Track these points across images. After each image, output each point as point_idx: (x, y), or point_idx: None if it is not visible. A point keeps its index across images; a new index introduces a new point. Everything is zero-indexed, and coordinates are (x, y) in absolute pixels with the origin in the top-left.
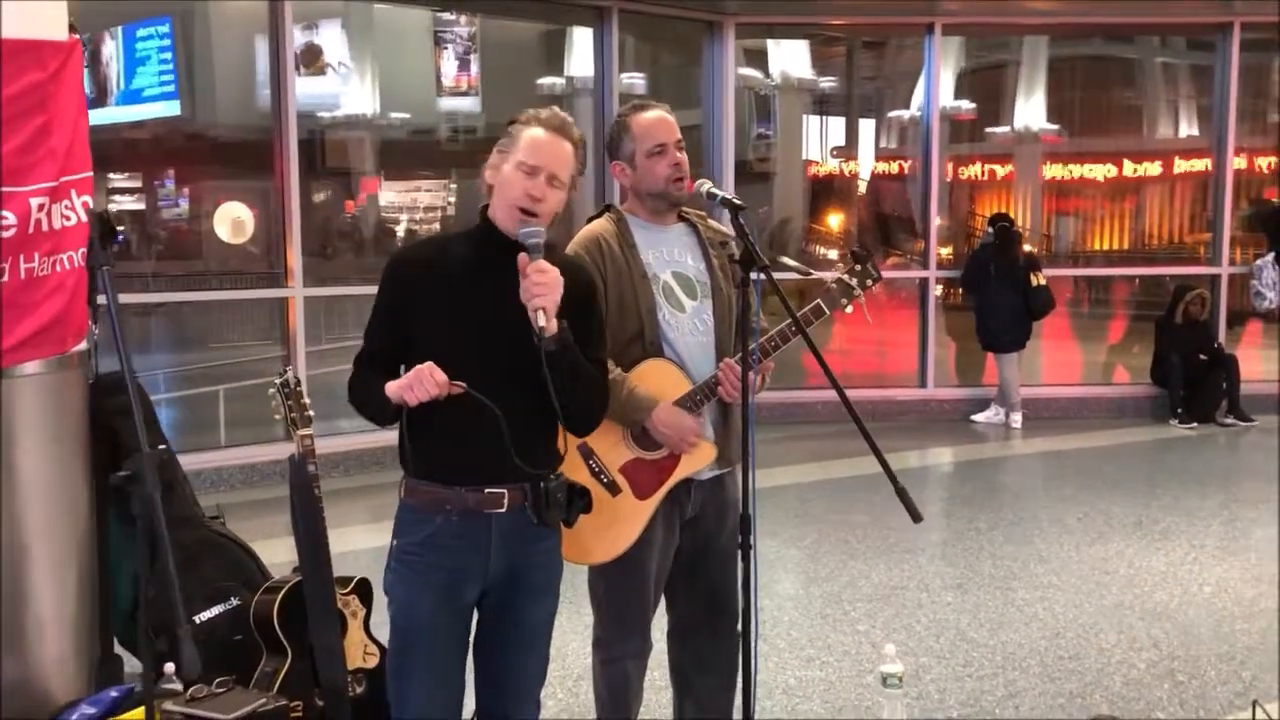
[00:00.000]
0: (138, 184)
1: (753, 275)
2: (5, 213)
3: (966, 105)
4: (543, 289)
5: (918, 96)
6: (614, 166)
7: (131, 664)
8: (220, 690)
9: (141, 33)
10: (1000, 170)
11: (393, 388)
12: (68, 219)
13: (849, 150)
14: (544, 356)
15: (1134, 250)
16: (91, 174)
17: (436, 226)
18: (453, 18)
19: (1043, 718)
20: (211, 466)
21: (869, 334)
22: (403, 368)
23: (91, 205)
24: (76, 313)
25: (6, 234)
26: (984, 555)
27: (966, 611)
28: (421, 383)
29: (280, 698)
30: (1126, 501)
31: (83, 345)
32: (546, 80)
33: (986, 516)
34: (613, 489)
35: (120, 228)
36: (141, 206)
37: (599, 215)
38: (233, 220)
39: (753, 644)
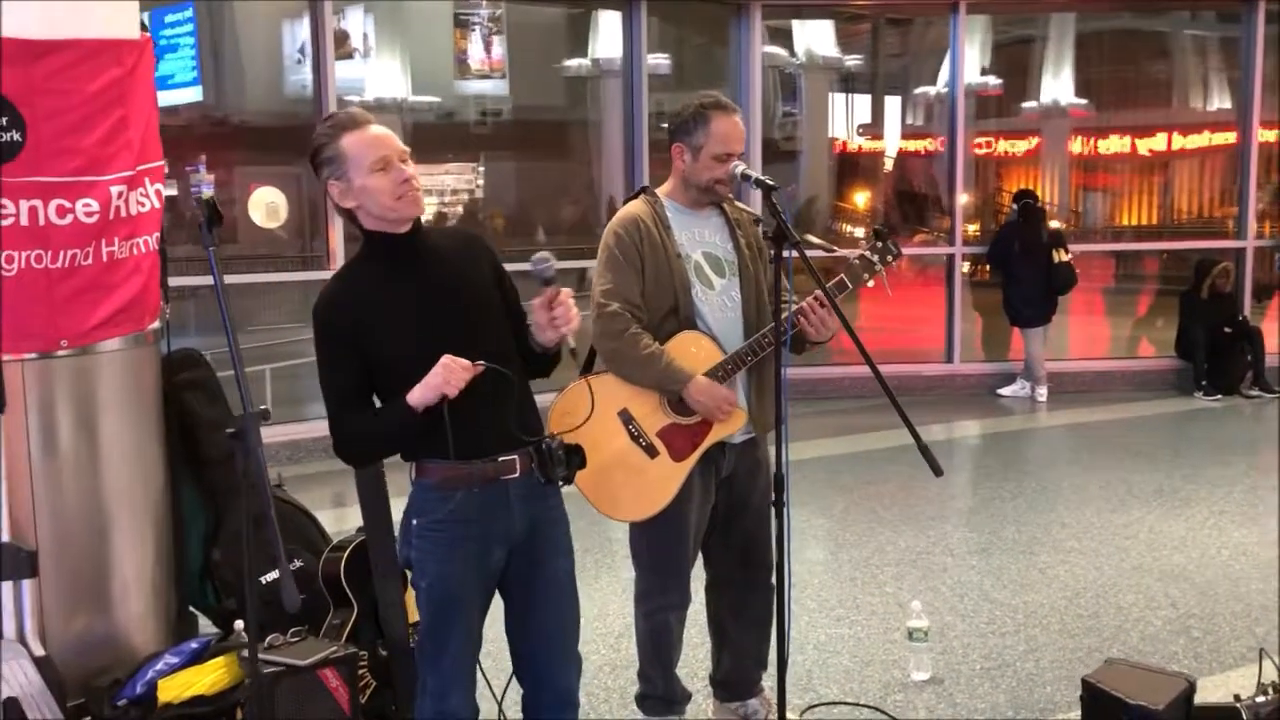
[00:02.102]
0: (169, 170)
1: (786, 252)
2: (90, 200)
3: (993, 81)
4: (571, 316)
5: (943, 73)
6: (675, 147)
7: (203, 624)
8: (295, 640)
9: (169, 18)
10: (1027, 146)
11: (419, 395)
12: (143, 205)
13: (875, 128)
14: (565, 354)
15: (1162, 225)
16: (163, 163)
17: (461, 210)
18: (478, 1)
19: (1061, 669)
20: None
21: (897, 310)
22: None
23: (164, 192)
24: (151, 293)
25: (90, 220)
26: (1007, 522)
27: (990, 574)
28: (452, 372)
29: (350, 646)
30: (1149, 470)
31: (156, 324)
32: (572, 62)
33: (1010, 486)
34: (651, 451)
35: None
36: (174, 192)
37: (635, 197)
38: (266, 205)
39: (787, 595)
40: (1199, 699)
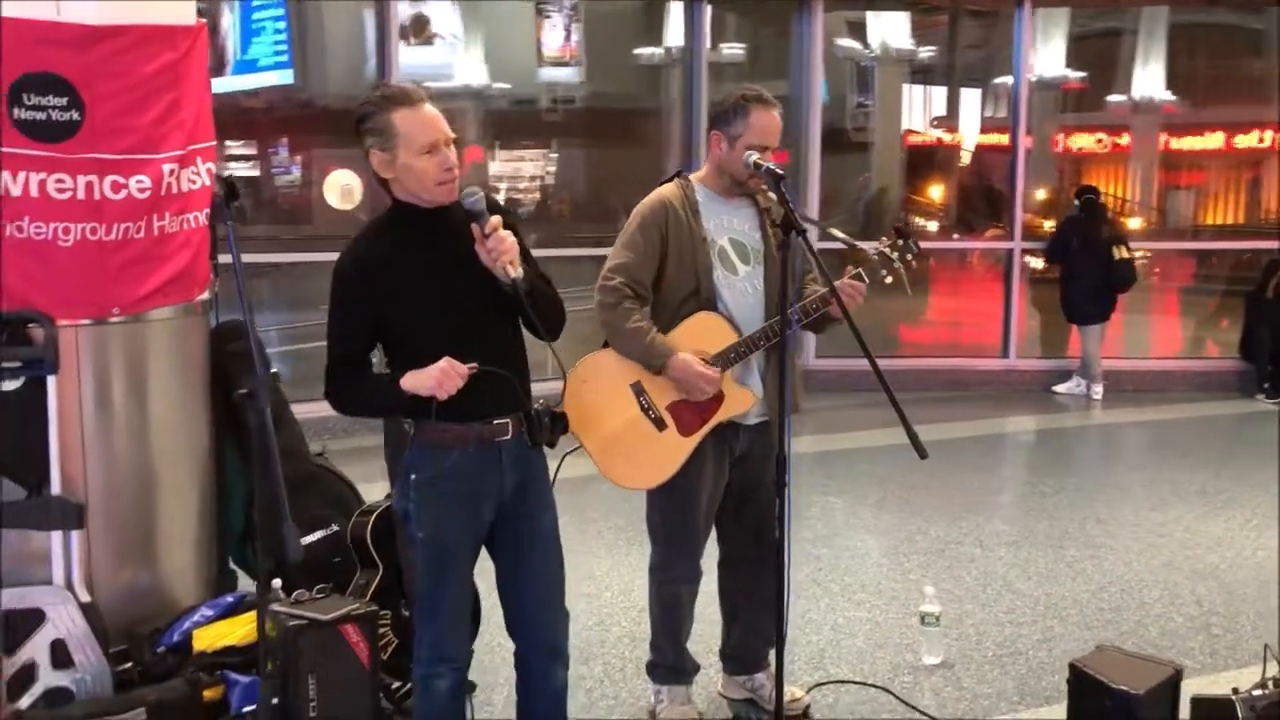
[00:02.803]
0: (253, 151)
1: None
2: (143, 177)
3: (1076, 74)
4: (504, 246)
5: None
6: (714, 135)
7: (244, 581)
8: (319, 596)
9: (257, 1)
10: (1113, 141)
11: (410, 383)
12: (193, 183)
13: (950, 120)
14: (524, 298)
15: (1248, 224)
16: (214, 143)
17: (537, 195)
18: None
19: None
20: (318, 416)
21: (965, 304)
22: (378, 352)
23: (215, 171)
24: (200, 266)
25: (142, 195)
26: (1042, 516)
27: (1016, 565)
28: (449, 379)
29: (372, 605)
30: (1194, 471)
31: (205, 295)
32: (645, 51)
33: (1051, 481)
34: (659, 424)
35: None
36: (256, 173)
37: (668, 180)
38: (341, 187)
39: (786, 575)
40: (1203, 692)
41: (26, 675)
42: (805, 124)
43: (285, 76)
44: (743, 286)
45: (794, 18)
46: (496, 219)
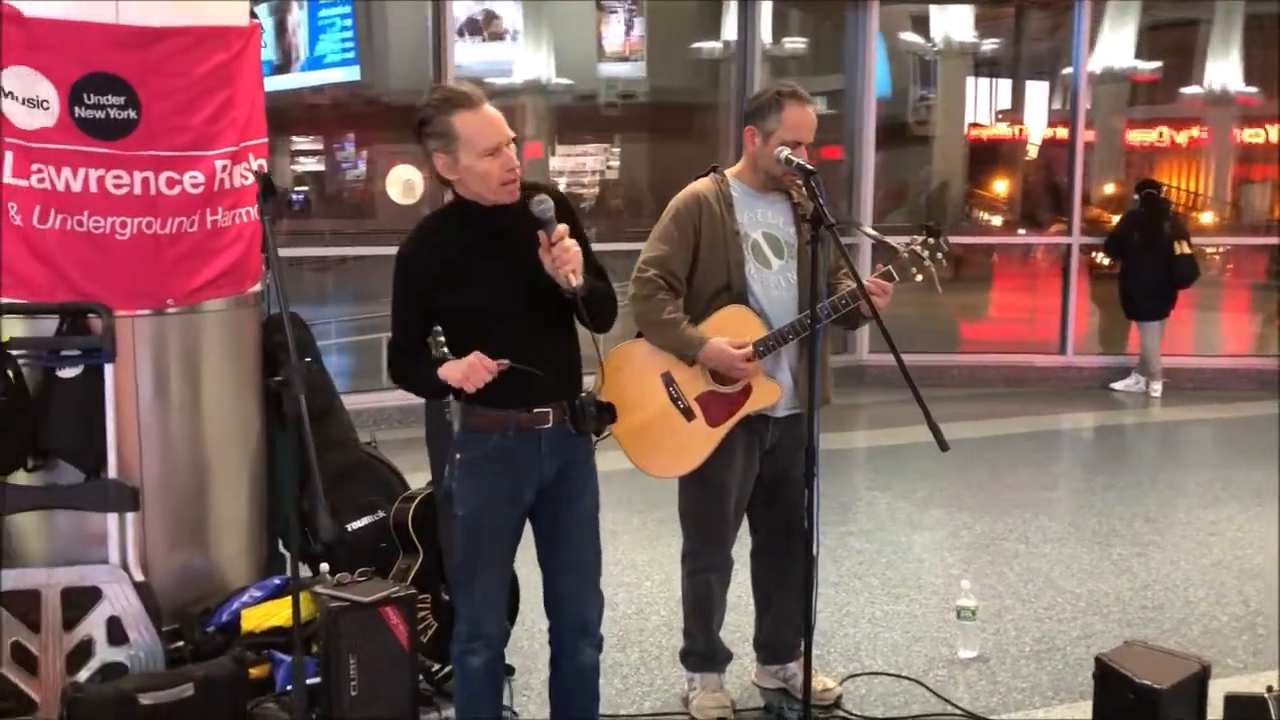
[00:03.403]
0: (319, 147)
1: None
2: (196, 173)
3: (1147, 65)
4: (568, 256)
5: (1099, 55)
6: (748, 130)
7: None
8: (361, 579)
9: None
10: (1185, 134)
11: (444, 373)
12: (245, 178)
13: (1015, 114)
14: (582, 305)
15: None
16: (266, 140)
17: (597, 190)
18: None
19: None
20: (374, 406)
21: (1024, 301)
22: (434, 334)
23: (266, 167)
24: (252, 259)
25: (196, 191)
26: (1091, 513)
27: (1060, 562)
28: (475, 373)
29: (411, 589)
30: (1250, 469)
31: (257, 288)
32: (705, 45)
33: (1103, 479)
34: (688, 414)
35: (302, 188)
36: (323, 168)
37: (704, 175)
38: (404, 182)
39: (815, 564)
40: (1237, 690)
41: (84, 650)
42: (860, 118)
43: (352, 73)
44: (776, 280)
45: (848, 13)
46: (563, 228)
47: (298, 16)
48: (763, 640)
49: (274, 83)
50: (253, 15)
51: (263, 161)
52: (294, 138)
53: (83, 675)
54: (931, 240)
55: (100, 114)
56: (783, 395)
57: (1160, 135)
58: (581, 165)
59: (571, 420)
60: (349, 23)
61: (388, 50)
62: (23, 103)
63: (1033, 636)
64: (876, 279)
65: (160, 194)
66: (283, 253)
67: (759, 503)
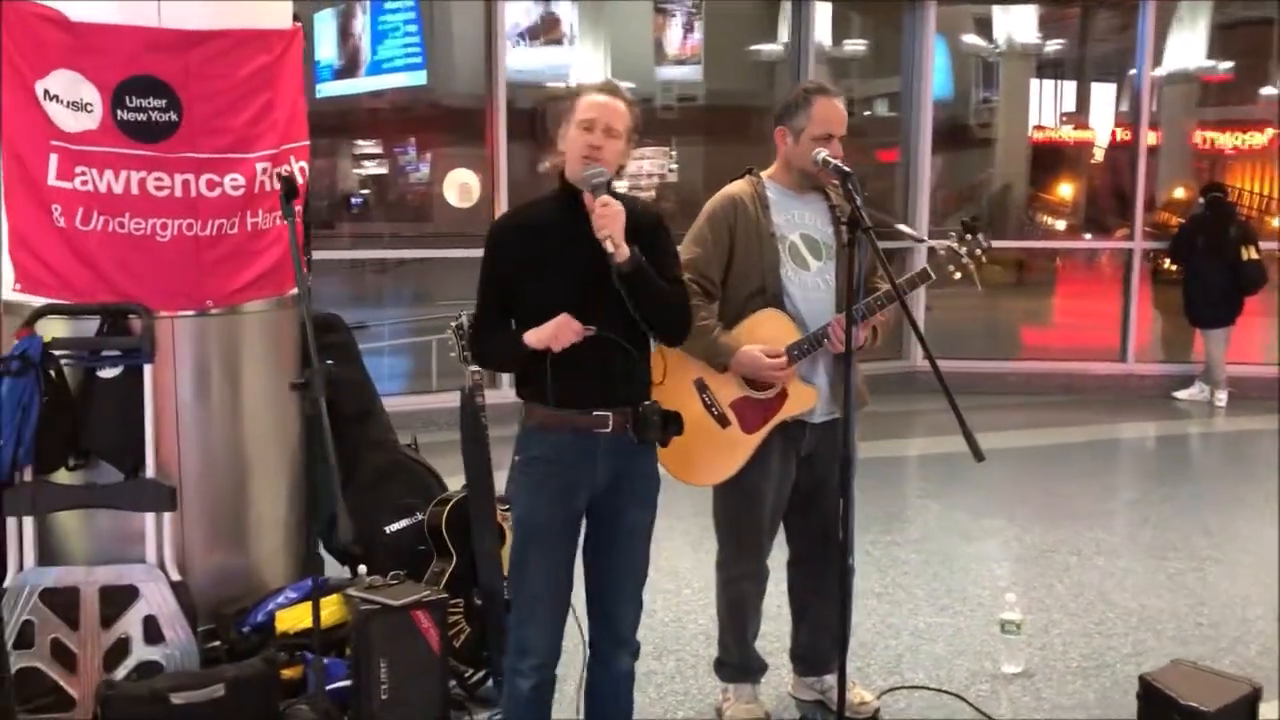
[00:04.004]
0: (381, 150)
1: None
2: (237, 175)
3: (1220, 65)
4: (607, 219)
5: (1169, 55)
6: (779, 130)
7: (331, 565)
8: (394, 582)
9: (389, 4)
10: (1258, 137)
11: (532, 338)
12: None
13: (1080, 116)
14: (617, 277)
15: None
16: (308, 142)
17: (654, 195)
18: None
19: None
20: (424, 408)
21: (1088, 306)
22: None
23: (307, 170)
24: (292, 261)
25: (236, 193)
26: (1147, 525)
27: (1112, 576)
28: (564, 331)
29: (443, 593)
30: None
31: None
32: (763, 47)
33: (1164, 490)
34: (722, 421)
35: (364, 191)
36: (384, 171)
37: (740, 177)
38: (460, 185)
39: (850, 576)
40: None
41: (122, 648)
42: (916, 120)
43: (417, 77)
44: (814, 281)
45: (905, 15)
46: (608, 196)
47: (362, 21)
48: (800, 651)
49: (338, 87)
50: (295, 18)
51: (303, 164)
52: (358, 141)
53: (119, 673)
54: (970, 237)
55: (142, 116)
56: (819, 400)
57: (1233, 137)
58: (639, 168)
59: (634, 428)
60: (414, 27)
61: (451, 54)
62: (67, 106)
63: (1080, 652)
64: (840, 318)
65: (201, 196)
66: (342, 255)
67: (796, 510)
